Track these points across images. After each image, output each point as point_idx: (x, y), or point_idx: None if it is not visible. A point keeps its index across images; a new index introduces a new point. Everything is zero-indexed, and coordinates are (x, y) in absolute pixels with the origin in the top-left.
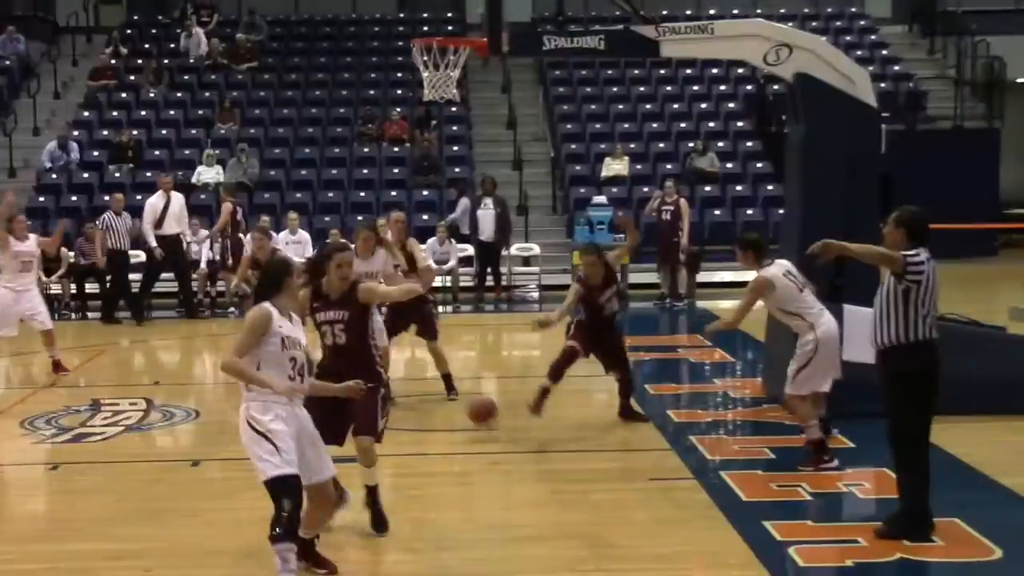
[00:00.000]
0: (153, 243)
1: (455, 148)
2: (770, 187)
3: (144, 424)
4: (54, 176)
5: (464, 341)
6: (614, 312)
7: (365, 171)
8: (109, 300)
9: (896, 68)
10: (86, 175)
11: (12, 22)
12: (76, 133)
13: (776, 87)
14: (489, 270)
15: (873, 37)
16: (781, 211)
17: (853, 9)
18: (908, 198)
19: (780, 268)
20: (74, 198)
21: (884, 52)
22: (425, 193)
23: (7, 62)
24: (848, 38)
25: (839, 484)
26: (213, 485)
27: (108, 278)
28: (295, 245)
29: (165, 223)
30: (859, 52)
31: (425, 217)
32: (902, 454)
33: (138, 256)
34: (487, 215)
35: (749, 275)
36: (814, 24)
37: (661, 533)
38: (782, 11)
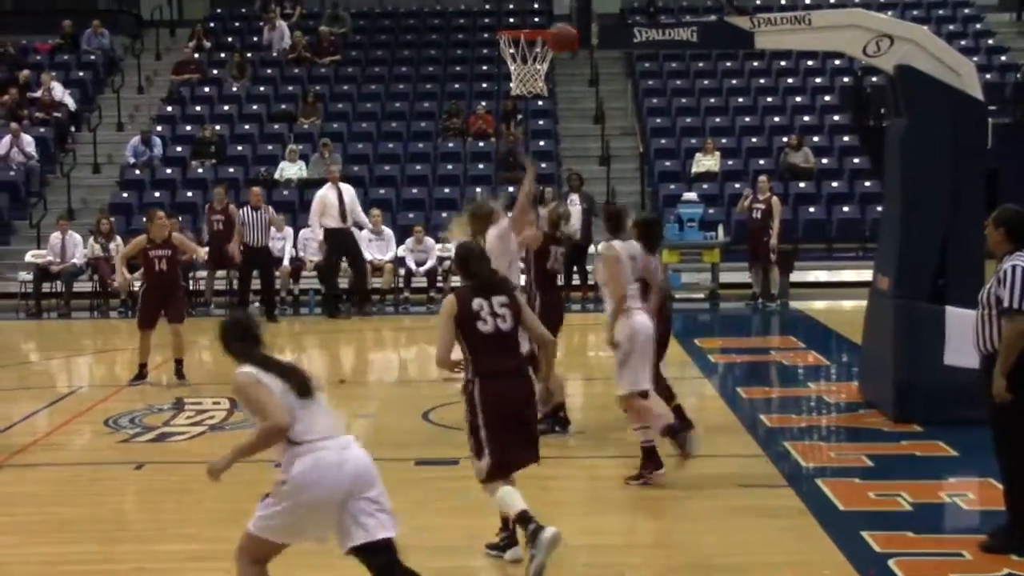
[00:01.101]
0: (320, 236)
1: (541, 143)
2: (867, 183)
3: (227, 424)
4: (137, 172)
5: None
6: None
7: (450, 167)
8: (269, 298)
9: (1003, 58)
10: (169, 171)
11: (97, 16)
12: (159, 128)
13: (875, 79)
14: (575, 268)
15: (978, 26)
16: (879, 208)
17: None
18: (1016, 195)
19: (627, 248)
20: (157, 194)
21: (990, 41)
22: (511, 189)
23: (92, 57)
24: (951, 27)
25: (941, 494)
26: None
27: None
28: (378, 242)
29: (340, 216)
30: (963, 42)
31: (511, 214)
32: (1009, 463)
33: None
34: (573, 212)
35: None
36: (915, 13)
37: (753, 541)
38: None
